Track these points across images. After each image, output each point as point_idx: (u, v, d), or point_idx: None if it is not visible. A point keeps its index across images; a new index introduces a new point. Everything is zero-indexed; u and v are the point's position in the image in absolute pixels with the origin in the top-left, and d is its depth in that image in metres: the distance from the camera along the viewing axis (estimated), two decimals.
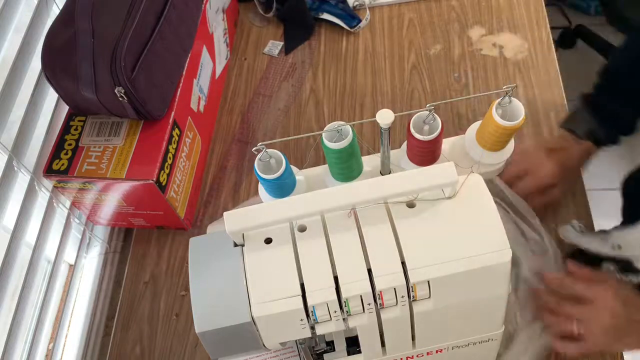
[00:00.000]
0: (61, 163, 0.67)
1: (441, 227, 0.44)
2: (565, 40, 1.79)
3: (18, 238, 0.63)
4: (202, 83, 0.78)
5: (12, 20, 0.64)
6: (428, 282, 0.43)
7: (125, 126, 0.69)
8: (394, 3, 0.93)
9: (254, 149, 0.50)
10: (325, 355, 0.52)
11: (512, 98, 0.51)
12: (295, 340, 0.49)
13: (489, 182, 0.48)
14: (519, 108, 0.52)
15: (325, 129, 0.51)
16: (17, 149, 0.63)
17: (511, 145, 0.57)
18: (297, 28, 0.92)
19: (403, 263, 0.43)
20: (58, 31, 0.62)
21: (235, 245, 0.45)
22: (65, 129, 0.69)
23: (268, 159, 0.52)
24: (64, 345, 0.71)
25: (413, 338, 0.48)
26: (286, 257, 0.44)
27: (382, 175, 0.58)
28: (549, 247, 0.66)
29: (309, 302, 0.43)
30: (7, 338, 0.60)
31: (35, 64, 0.66)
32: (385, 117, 0.50)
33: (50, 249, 0.70)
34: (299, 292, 0.43)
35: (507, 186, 0.67)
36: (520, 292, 0.66)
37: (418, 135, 0.51)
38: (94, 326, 0.74)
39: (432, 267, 0.43)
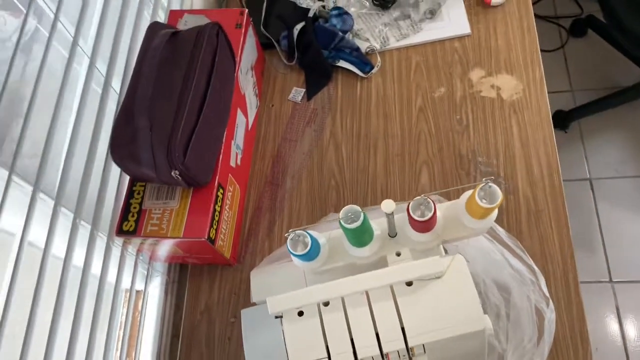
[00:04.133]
0: (129, 225, 0.82)
1: (432, 301, 0.58)
2: (576, 29, 1.85)
3: (103, 280, 0.79)
4: (238, 141, 0.92)
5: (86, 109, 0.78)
6: (423, 345, 0.57)
7: (179, 190, 0.83)
8: (402, 47, 1.04)
9: (285, 234, 0.64)
10: None
11: (491, 185, 0.64)
12: None
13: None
14: (497, 192, 0.64)
15: (341, 213, 0.64)
16: (96, 221, 0.79)
17: (495, 213, 0.69)
18: (317, 75, 1.04)
19: (403, 330, 0.57)
20: (121, 126, 0.76)
21: (276, 317, 0.60)
22: (130, 194, 0.84)
23: (297, 238, 0.66)
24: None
25: None
26: (315, 327, 0.59)
27: (390, 236, 0.72)
28: (536, 277, 0.79)
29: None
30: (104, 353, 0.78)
31: (102, 147, 0.80)
32: (388, 206, 0.63)
33: (125, 282, 0.87)
34: (325, 354, 0.58)
35: (499, 226, 0.80)
36: (511, 316, 0.80)
37: (415, 216, 0.64)
38: (162, 346, 0.91)
39: (425, 334, 0.57)
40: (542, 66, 0.98)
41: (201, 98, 0.79)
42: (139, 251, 0.88)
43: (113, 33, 0.84)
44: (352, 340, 0.58)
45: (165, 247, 0.86)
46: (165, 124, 0.75)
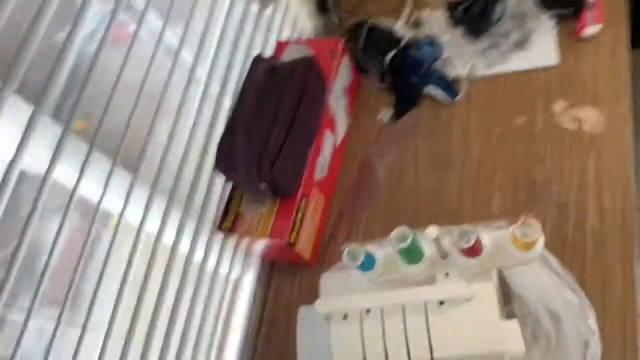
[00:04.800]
0: (228, 223, 0.98)
1: (459, 320, 0.66)
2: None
3: (203, 269, 0.96)
4: (325, 156, 1.04)
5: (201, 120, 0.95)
6: (447, 358, 0.66)
7: (268, 198, 0.97)
8: (488, 75, 1.08)
9: (342, 247, 0.75)
10: None
11: (531, 222, 0.69)
12: None
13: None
14: (536, 228, 0.69)
15: (392, 233, 0.74)
16: (201, 218, 0.96)
17: (538, 246, 0.74)
18: (405, 99, 1.12)
19: (430, 343, 0.66)
20: (224, 142, 0.92)
21: (326, 319, 0.72)
22: (231, 194, 1.00)
23: (352, 251, 0.76)
24: (229, 340, 1.05)
25: None
26: (355, 332, 0.69)
27: (441, 258, 0.79)
28: (587, 310, 0.82)
29: None
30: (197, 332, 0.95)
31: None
32: (432, 232, 0.71)
33: (224, 268, 1.03)
34: (362, 357, 0.68)
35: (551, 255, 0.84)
36: (560, 344, 0.84)
37: (460, 243, 0.72)
38: (249, 335, 1.07)
39: (449, 349, 0.65)
40: (630, 100, 0.97)
41: (290, 122, 0.92)
42: (237, 246, 1.04)
43: (227, 59, 1.01)
44: (385, 346, 0.68)
45: (256, 246, 1.01)
46: (258, 143, 0.89)
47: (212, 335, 0.99)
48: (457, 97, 1.08)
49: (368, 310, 0.70)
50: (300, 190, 0.96)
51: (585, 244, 0.89)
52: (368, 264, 0.78)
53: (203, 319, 0.95)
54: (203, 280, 0.95)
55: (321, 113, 1.01)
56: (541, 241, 0.74)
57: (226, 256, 1.03)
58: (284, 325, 1.02)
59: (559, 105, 1.01)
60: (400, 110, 1.12)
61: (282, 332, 1.02)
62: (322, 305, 0.70)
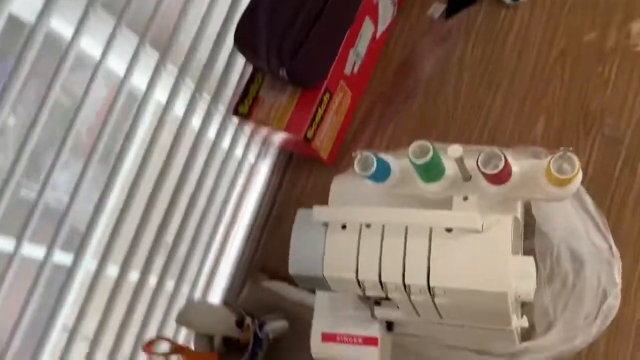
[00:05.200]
0: (244, 108, 0.91)
1: (464, 251, 0.60)
2: None
3: (215, 147, 0.92)
4: (359, 49, 0.94)
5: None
6: (446, 288, 0.60)
7: (290, 88, 0.89)
8: None
9: (353, 154, 0.68)
10: (382, 304, 0.73)
11: (570, 155, 0.60)
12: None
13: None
14: (574, 165, 0.60)
15: (411, 146, 0.66)
16: (216, 96, 0.89)
17: (574, 184, 0.65)
18: None
19: (428, 269, 0.60)
20: (245, 17, 0.83)
21: (324, 224, 0.66)
22: (251, 79, 0.93)
23: (365, 158, 0.69)
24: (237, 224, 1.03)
25: (439, 312, 0.66)
26: (352, 243, 0.64)
27: (463, 179, 0.72)
28: (612, 259, 0.74)
29: (359, 277, 0.63)
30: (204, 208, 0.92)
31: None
32: (455, 151, 0.63)
33: (238, 152, 0.99)
34: (354, 268, 0.63)
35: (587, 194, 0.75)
36: (577, 288, 0.77)
37: (483, 168, 0.63)
38: (258, 219, 1.04)
39: (447, 278, 0.59)
40: None
41: (323, 4, 0.81)
42: (253, 133, 0.98)
43: None
44: (380, 263, 0.62)
45: (271, 136, 0.95)
46: (282, 23, 0.80)
47: (220, 214, 0.96)
48: None
49: (369, 225, 0.65)
50: (325, 83, 0.88)
51: (630, 189, 0.80)
52: (381, 174, 0.71)
53: (212, 195, 0.92)
54: (215, 156, 0.91)
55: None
56: (577, 180, 0.65)
57: (241, 140, 0.97)
58: (290, 221, 0.98)
59: (637, 26, 0.87)
60: (454, 7, 0.99)
61: (288, 228, 0.98)
62: (319, 212, 0.65)
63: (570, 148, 0.59)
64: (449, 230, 0.61)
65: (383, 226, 0.64)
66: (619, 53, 0.86)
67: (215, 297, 0.96)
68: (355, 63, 0.94)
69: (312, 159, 1.00)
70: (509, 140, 0.88)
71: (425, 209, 0.62)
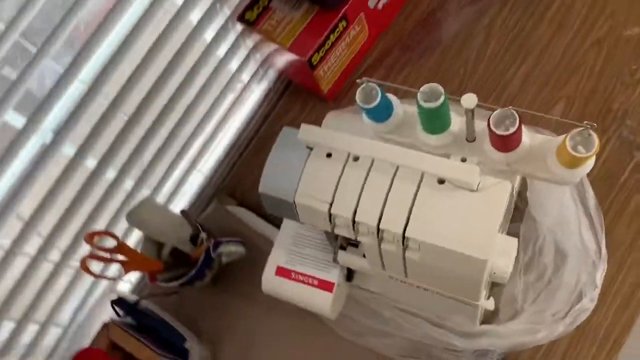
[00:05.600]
0: (252, 15, 0.84)
1: (452, 208, 0.54)
2: None
3: (209, 52, 0.84)
4: None
5: None
6: (421, 242, 0.55)
7: (307, 5, 0.82)
8: None
9: (358, 80, 0.61)
10: (347, 249, 0.67)
11: (590, 133, 0.54)
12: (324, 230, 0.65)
13: None
14: (594, 144, 0.54)
15: (422, 88, 0.60)
16: None
17: (584, 168, 0.59)
18: None
19: (408, 218, 0.55)
20: None
21: (308, 147, 0.60)
22: None
23: (369, 91, 0.63)
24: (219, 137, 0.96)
25: (406, 269, 0.61)
26: (334, 174, 0.58)
27: (467, 140, 0.66)
28: (599, 261, 0.70)
29: (332, 211, 0.58)
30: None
31: None
32: (469, 101, 0.57)
33: (233, 66, 0.91)
34: (330, 200, 0.58)
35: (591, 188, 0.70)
36: (552, 284, 0.73)
37: (494, 128, 0.58)
38: (240, 140, 0.97)
39: (426, 233, 0.54)
40: None
41: None
42: (255, 48, 0.91)
43: None
44: (359, 200, 0.57)
45: (275, 56, 0.88)
46: None
47: (200, 126, 0.90)
48: None
49: (357, 158, 0.59)
50: (345, 8, 0.80)
51: (633, 195, 0.75)
52: (382, 112, 0.65)
53: (194, 104, 0.85)
54: (207, 63, 0.84)
55: None
56: (589, 164, 0.59)
57: (240, 54, 0.90)
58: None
59: None
60: None
61: (267, 156, 0.92)
62: (306, 131, 0.59)
63: (595, 125, 0.53)
64: (441, 181, 0.55)
65: (372, 162, 0.58)
66: None
67: (177, 208, 0.90)
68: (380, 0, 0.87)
69: (311, 92, 0.93)
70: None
71: (422, 153, 0.56)
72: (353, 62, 0.90)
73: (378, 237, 0.57)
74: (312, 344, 0.79)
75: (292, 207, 0.60)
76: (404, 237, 0.55)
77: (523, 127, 0.61)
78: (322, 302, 0.70)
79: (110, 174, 0.81)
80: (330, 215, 0.58)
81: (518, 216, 0.77)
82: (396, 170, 0.57)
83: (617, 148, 0.78)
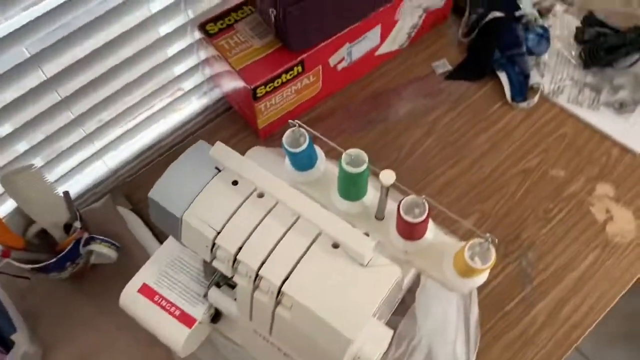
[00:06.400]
0: (213, 29, 0.82)
1: (335, 275, 0.51)
2: None
3: (158, 46, 0.80)
4: (354, 50, 0.87)
5: None
6: (295, 301, 0.51)
7: (271, 38, 0.81)
8: (566, 109, 0.91)
9: (290, 121, 0.59)
10: (222, 287, 0.63)
11: (490, 247, 0.54)
12: (203, 260, 0.60)
13: None
14: (491, 257, 0.54)
15: (349, 150, 0.58)
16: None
17: (475, 282, 0.59)
18: (472, 66, 0.94)
19: (290, 273, 0.52)
20: None
21: (216, 168, 0.57)
22: (235, 8, 0.83)
23: (298, 136, 0.61)
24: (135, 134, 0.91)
25: (272, 326, 0.57)
26: (232, 203, 0.55)
27: (376, 217, 0.64)
28: None
29: (217, 240, 0.54)
30: None
31: None
32: (388, 177, 0.55)
33: (178, 70, 0.87)
34: (218, 229, 0.54)
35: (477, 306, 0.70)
36: None
37: (403, 213, 0.56)
38: (159, 145, 0.92)
39: (302, 293, 0.51)
40: None
41: None
42: (206, 62, 0.88)
43: None
44: (247, 238, 0.53)
45: (222, 77, 0.85)
46: None
47: (122, 116, 0.84)
48: (521, 103, 0.91)
49: (261, 195, 0.55)
50: (306, 54, 0.79)
51: (513, 327, 0.75)
52: (304, 161, 0.63)
53: (124, 91, 0.81)
54: (153, 55, 0.80)
55: (383, 3, 0.83)
56: (482, 277, 0.59)
57: (188, 61, 0.87)
58: None
59: (602, 189, 0.85)
60: (459, 73, 0.95)
61: None
62: (219, 151, 0.55)
63: (496, 240, 0.53)
64: (335, 246, 0.53)
65: (275, 205, 0.55)
66: (574, 203, 0.83)
67: (63, 190, 0.82)
68: (342, 60, 0.87)
69: (246, 123, 0.91)
70: (438, 216, 0.82)
71: (329, 212, 0.54)
72: (296, 110, 0.89)
73: (254, 283, 0.53)
74: None
75: (177, 223, 0.56)
76: (279, 290, 0.52)
77: (431, 222, 0.61)
78: (176, 335, 0.64)
79: (6, 128, 0.74)
80: (214, 244, 0.54)
81: (402, 310, 0.76)
82: (295, 221, 0.54)
83: (512, 276, 0.79)
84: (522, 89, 0.91)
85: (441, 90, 0.94)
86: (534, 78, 0.92)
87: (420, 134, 0.90)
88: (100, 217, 0.81)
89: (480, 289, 0.75)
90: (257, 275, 0.53)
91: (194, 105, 0.94)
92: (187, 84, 0.92)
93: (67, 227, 0.73)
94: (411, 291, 0.74)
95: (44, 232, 0.73)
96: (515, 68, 0.92)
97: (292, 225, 0.54)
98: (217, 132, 0.91)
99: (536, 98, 0.91)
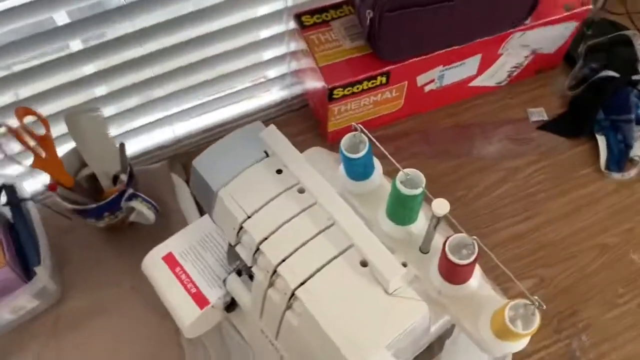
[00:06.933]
0: (309, 20, 0.80)
1: (355, 295, 0.47)
2: None
3: (252, 25, 0.80)
4: (447, 74, 0.82)
5: None
6: (305, 309, 0.47)
7: (362, 42, 0.78)
8: None
9: (353, 124, 0.55)
10: (242, 276, 0.60)
11: (535, 313, 0.47)
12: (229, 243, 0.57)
13: None
14: (534, 323, 0.47)
15: (408, 170, 0.53)
16: None
17: (518, 345, 0.52)
18: (572, 121, 0.87)
19: (308, 279, 0.48)
20: None
21: (265, 152, 0.54)
22: (335, 6, 0.81)
23: (358, 142, 0.57)
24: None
25: (279, 329, 0.53)
26: (270, 191, 0.52)
27: (420, 250, 0.59)
28: None
29: (245, 225, 0.51)
30: None
31: None
32: (441, 206, 0.50)
33: (266, 55, 0.87)
34: (249, 213, 0.51)
35: None
36: None
37: (448, 251, 0.51)
38: (225, 125, 0.92)
39: (316, 304, 0.47)
40: None
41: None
42: (294, 54, 0.86)
43: None
44: (276, 230, 0.50)
45: (306, 72, 0.83)
46: None
47: (203, 87, 0.84)
48: (615, 173, 0.82)
49: (302, 190, 0.52)
50: (394, 67, 0.76)
51: None
52: (359, 170, 0.59)
53: (211, 61, 0.81)
54: (243, 32, 0.79)
55: (496, 32, 0.78)
56: (520, 344, 0.52)
57: (278, 48, 0.85)
58: None
59: None
60: (556, 125, 0.87)
61: None
62: (270, 135, 0.53)
63: (544, 306, 0.46)
64: (363, 264, 0.49)
65: (314, 203, 0.51)
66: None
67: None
68: (432, 82, 0.83)
69: (317, 124, 0.88)
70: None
71: (366, 226, 0.50)
72: (371, 122, 0.85)
73: (271, 278, 0.50)
74: (156, 347, 0.71)
75: (212, 197, 0.54)
76: (293, 293, 0.48)
77: (478, 270, 0.55)
78: (186, 313, 0.62)
79: (90, 69, 0.75)
80: (241, 227, 0.51)
81: (426, 358, 0.69)
82: (329, 226, 0.50)
83: (557, 355, 0.70)
84: (621, 158, 0.82)
85: (531, 139, 0.87)
86: (636, 150, 0.83)
87: (497, 178, 0.84)
88: (152, 180, 0.81)
89: (516, 358, 0.67)
90: (275, 271, 0.49)
91: (273, 95, 0.93)
92: (271, 73, 0.90)
93: (116, 179, 0.73)
94: (441, 339, 0.68)
95: (94, 179, 0.73)
96: (618, 135, 0.83)
97: (324, 229, 0.50)
98: (285, 126, 0.88)
99: (633, 172, 0.82)
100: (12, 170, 0.76)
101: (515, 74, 0.89)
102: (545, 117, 0.89)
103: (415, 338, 0.61)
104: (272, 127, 0.53)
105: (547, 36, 0.84)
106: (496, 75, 0.88)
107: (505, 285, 0.66)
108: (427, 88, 0.83)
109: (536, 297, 0.46)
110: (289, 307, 0.49)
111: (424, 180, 0.52)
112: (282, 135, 0.53)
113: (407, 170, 0.53)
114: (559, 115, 0.88)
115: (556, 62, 0.92)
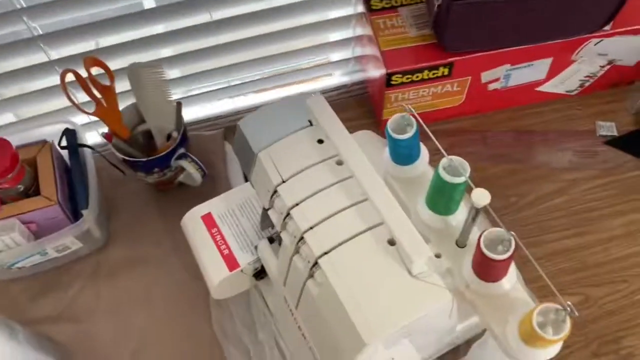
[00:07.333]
0: (377, 5, 0.79)
1: (378, 272, 0.46)
2: None
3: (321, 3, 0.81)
4: (513, 74, 0.79)
5: None
6: (326, 279, 0.47)
7: (428, 31, 0.76)
8: None
9: (403, 105, 0.54)
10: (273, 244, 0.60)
11: (565, 320, 0.45)
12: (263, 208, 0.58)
13: None
14: (565, 328, 0.45)
15: (452, 157, 0.52)
16: None
17: (547, 352, 0.49)
18: None
19: (333, 249, 0.47)
20: None
21: (309, 122, 0.54)
22: None
23: (405, 124, 0.55)
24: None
25: (300, 298, 0.53)
26: (308, 159, 0.51)
27: (457, 244, 0.57)
28: None
29: (279, 189, 0.51)
30: None
31: None
32: (481, 197, 0.48)
33: (332, 37, 0.88)
34: (285, 178, 0.51)
35: None
36: None
37: (483, 245, 0.49)
38: None
39: (336, 274, 0.46)
40: None
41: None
42: (359, 39, 0.86)
43: None
44: (309, 197, 0.50)
45: (370, 59, 0.82)
46: None
47: (268, 62, 0.86)
48: None
49: (340, 162, 0.52)
50: (459, 58, 0.74)
51: None
52: (404, 153, 0.58)
53: (278, 35, 0.82)
54: (313, 14, 0.80)
55: (570, 33, 0.74)
56: (549, 351, 0.49)
57: (345, 31, 0.85)
58: None
59: None
60: (625, 143, 0.82)
61: None
62: (316, 104, 0.53)
63: (577, 314, 0.43)
64: (391, 243, 0.48)
65: (351, 177, 0.50)
66: None
67: (187, 112, 0.84)
68: (497, 81, 0.80)
69: (372, 111, 0.87)
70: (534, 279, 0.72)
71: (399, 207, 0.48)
72: (428, 115, 0.83)
73: (297, 244, 0.50)
74: (185, 305, 0.72)
75: (252, 158, 0.54)
76: (316, 262, 0.48)
77: (514, 271, 0.53)
78: (216, 273, 0.63)
79: (159, 28, 0.78)
80: (275, 191, 0.52)
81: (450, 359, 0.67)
82: (362, 201, 0.49)
83: None
84: None
85: (595, 153, 0.82)
86: None
87: (552, 189, 0.80)
88: (206, 145, 0.83)
89: None
90: (302, 237, 0.49)
91: (334, 80, 0.93)
92: (335, 56, 0.90)
93: (170, 137, 0.75)
94: (468, 343, 0.66)
95: (149, 136, 0.75)
96: None
97: (356, 203, 0.49)
98: (340, 110, 0.87)
99: None
100: (77, 119, 0.80)
101: (588, 84, 0.85)
102: (615, 133, 0.84)
103: (439, 333, 0.60)
104: (319, 95, 0.53)
105: (628, 47, 0.79)
106: (566, 82, 0.84)
107: (546, 300, 0.63)
108: (491, 86, 0.80)
109: (569, 302, 0.44)
110: (311, 275, 0.49)
111: (468, 169, 0.51)
112: (328, 105, 0.53)
113: (451, 157, 0.51)
114: (630, 133, 0.83)
115: (635, 77, 0.87)
